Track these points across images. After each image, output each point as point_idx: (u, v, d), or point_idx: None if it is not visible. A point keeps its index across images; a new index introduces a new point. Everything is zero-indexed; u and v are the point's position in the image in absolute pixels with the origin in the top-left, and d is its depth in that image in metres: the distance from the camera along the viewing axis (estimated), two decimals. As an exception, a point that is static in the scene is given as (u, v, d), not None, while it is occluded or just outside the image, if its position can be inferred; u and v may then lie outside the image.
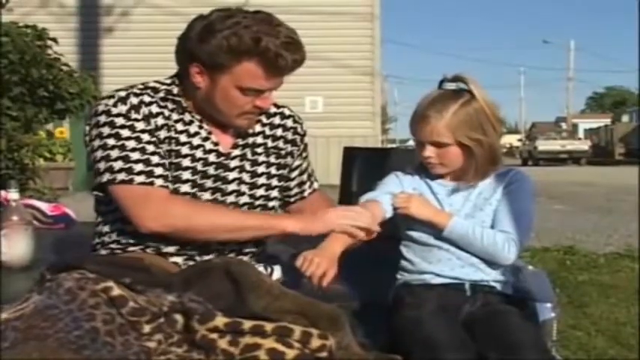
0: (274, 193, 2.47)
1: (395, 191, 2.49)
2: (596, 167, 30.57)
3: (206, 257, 2.33)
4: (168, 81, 2.38)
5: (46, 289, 2.03)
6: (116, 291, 1.98)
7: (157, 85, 2.37)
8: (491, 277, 2.44)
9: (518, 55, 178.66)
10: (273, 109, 2.50)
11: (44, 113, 5.99)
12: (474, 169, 2.43)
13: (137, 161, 2.24)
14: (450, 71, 2.50)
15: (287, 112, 2.56)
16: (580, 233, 8.22)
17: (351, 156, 3.96)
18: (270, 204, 2.46)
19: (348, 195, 3.96)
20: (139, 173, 2.23)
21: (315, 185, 2.69)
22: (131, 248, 2.33)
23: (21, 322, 1.89)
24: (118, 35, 15.43)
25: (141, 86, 2.36)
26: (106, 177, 2.26)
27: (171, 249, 2.31)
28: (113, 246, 2.36)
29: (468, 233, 2.40)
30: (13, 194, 2.79)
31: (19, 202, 2.83)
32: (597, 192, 14.63)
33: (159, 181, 2.24)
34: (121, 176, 2.23)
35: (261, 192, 2.42)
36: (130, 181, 2.23)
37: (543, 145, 38.77)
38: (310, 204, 2.63)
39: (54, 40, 6.26)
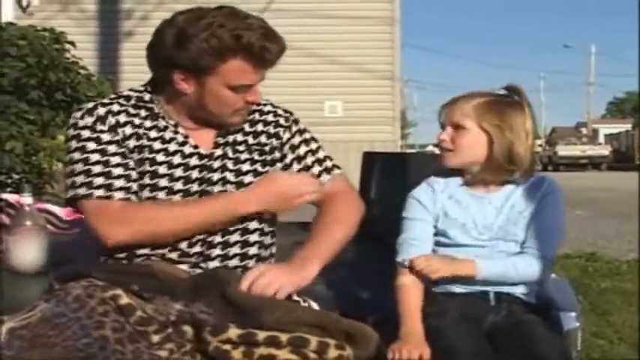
0: None
1: (426, 219, 2.42)
2: (616, 173, 30.43)
3: (210, 263, 2.27)
4: (141, 88, 2.37)
5: (53, 297, 2.01)
6: (124, 299, 1.95)
7: (130, 92, 2.36)
8: (517, 289, 2.38)
9: (539, 59, 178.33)
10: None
11: (61, 117, 5.99)
12: (489, 164, 2.37)
13: (98, 175, 2.22)
14: (470, 76, 2.51)
15: (268, 107, 2.47)
16: (602, 239, 8.15)
17: (370, 161, 3.93)
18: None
19: (367, 201, 3.92)
20: (99, 187, 2.21)
21: (334, 173, 2.50)
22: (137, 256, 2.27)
23: (27, 331, 1.88)
24: (137, 39, 15.37)
25: (113, 95, 2.36)
26: (70, 193, 2.26)
27: (173, 255, 2.25)
28: (119, 255, 2.29)
29: (499, 273, 2.33)
30: (26, 198, 2.76)
31: (33, 206, 2.79)
32: (618, 198, 14.55)
33: (118, 194, 2.21)
34: (82, 191, 2.22)
35: None
36: (90, 196, 2.21)
37: (563, 150, 38.68)
38: (331, 195, 2.43)
39: (72, 43, 6.25)
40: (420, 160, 3.79)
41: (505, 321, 2.30)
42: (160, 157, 2.28)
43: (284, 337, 1.87)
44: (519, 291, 2.37)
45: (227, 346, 1.87)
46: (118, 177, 2.22)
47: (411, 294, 2.33)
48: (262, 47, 2.18)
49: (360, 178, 3.81)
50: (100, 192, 2.20)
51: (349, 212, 2.41)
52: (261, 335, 1.87)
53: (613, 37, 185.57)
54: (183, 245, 2.25)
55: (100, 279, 2.04)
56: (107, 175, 2.21)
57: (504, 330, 2.27)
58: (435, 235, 2.42)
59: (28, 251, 2.74)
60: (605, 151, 39.95)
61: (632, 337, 4.35)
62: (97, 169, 2.22)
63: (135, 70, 13.98)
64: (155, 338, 1.90)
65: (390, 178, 3.65)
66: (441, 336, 2.20)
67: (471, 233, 2.38)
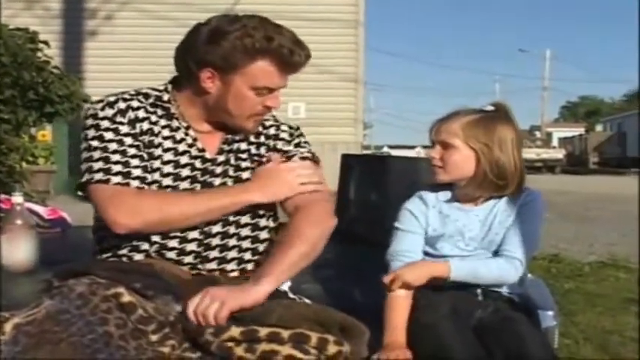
0: None
1: (417, 231, 2.52)
2: (571, 176, 30.65)
3: (207, 265, 2.31)
4: (161, 88, 2.41)
5: (57, 294, 2.03)
6: (126, 297, 1.98)
7: (149, 91, 2.40)
8: (503, 287, 2.48)
9: (495, 63, 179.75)
10: None
11: (33, 116, 5.97)
12: (478, 179, 2.47)
13: (116, 162, 2.24)
14: (426, 79, 2.59)
15: (270, 121, 2.51)
16: (562, 242, 8.23)
17: (349, 163, 3.99)
18: (261, 211, 2.41)
19: (345, 201, 3.99)
20: (117, 174, 2.23)
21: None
22: (135, 255, 2.30)
23: (33, 327, 1.90)
24: (102, 39, 15.32)
25: (133, 92, 2.38)
26: (85, 177, 2.26)
27: (172, 254, 2.29)
28: (118, 252, 2.32)
29: (471, 271, 2.42)
30: (17, 198, 2.79)
31: (23, 206, 2.82)
32: (575, 200, 14.67)
33: (135, 183, 2.24)
34: (99, 176, 2.23)
35: None
36: (107, 181, 2.23)
37: (519, 153, 38.77)
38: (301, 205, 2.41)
39: (45, 43, 6.23)
40: (397, 162, 3.86)
41: (492, 317, 2.38)
42: (168, 156, 2.32)
43: (285, 334, 1.92)
44: (504, 289, 2.47)
45: (230, 343, 1.92)
46: (136, 167, 2.25)
47: (400, 306, 2.40)
48: (291, 50, 2.26)
49: (339, 180, 3.86)
50: (117, 178, 2.22)
51: (310, 226, 2.30)
52: (263, 332, 1.92)
53: (568, 43, 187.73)
54: (179, 245, 2.29)
55: (101, 277, 2.07)
56: (125, 164, 2.24)
57: (492, 326, 2.34)
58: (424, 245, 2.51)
59: (19, 249, 2.77)
60: (559, 154, 40.34)
61: (596, 338, 4.42)
62: (115, 157, 2.24)
63: (100, 69, 13.99)
64: (153, 337, 1.95)
65: (368, 179, 3.71)
66: (432, 333, 2.28)
67: (458, 245, 2.48)
